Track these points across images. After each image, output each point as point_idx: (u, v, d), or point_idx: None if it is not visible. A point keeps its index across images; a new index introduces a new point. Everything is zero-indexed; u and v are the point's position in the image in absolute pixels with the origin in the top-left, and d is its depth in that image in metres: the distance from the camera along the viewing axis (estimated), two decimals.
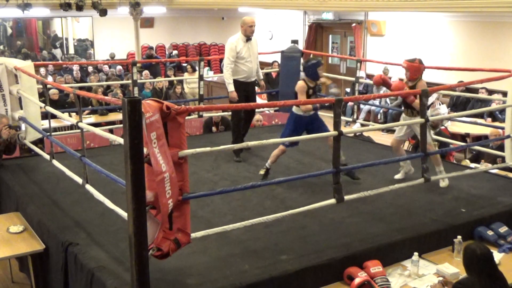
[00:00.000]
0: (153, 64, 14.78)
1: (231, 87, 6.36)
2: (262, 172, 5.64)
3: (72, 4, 12.46)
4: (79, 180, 4.75)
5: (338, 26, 14.45)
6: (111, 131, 7.01)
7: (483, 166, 6.63)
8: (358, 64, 8.04)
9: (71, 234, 4.34)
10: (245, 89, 6.49)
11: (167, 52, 17.29)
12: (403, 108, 5.53)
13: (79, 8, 12.42)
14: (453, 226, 4.62)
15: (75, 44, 17.51)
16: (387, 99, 12.03)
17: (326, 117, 9.15)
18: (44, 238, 4.58)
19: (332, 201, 4.19)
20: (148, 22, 17.05)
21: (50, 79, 13.15)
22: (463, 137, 9.32)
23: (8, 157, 6.30)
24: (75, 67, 14.40)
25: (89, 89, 11.26)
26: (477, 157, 7.47)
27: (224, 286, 3.59)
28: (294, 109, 5.70)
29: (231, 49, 6.33)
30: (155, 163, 3.24)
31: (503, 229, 4.68)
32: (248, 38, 6.37)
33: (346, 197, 4.25)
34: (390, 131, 11.40)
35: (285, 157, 6.49)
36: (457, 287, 3.47)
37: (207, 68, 16.08)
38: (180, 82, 12.33)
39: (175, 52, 17.16)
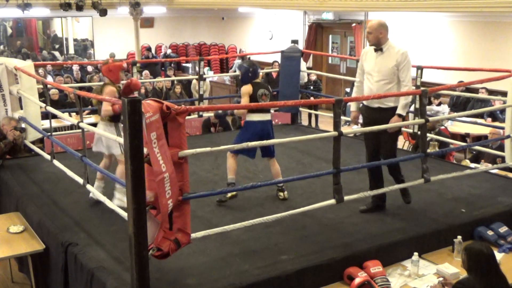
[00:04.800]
0: (151, 64, 14.77)
1: (351, 106, 5.34)
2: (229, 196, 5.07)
3: (72, 4, 12.45)
4: (80, 180, 4.76)
5: (338, 26, 14.45)
6: None
7: (483, 166, 6.62)
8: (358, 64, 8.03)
9: (71, 234, 4.34)
10: (370, 116, 4.88)
11: (163, 52, 17.27)
12: None
13: (79, 8, 12.41)
14: (453, 226, 4.62)
15: (75, 44, 17.51)
16: None
17: (326, 117, 9.18)
18: (44, 238, 4.58)
19: (332, 201, 4.19)
20: (148, 22, 17.04)
21: (49, 79, 13.15)
22: (463, 137, 9.32)
23: (10, 157, 6.32)
24: (75, 67, 14.40)
25: (89, 89, 11.26)
26: (477, 157, 7.47)
27: (224, 286, 3.59)
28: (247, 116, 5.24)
29: (360, 58, 5.04)
30: (155, 163, 3.24)
31: (503, 229, 4.69)
32: (378, 48, 4.76)
33: (346, 198, 4.24)
34: None
35: (285, 158, 6.49)
36: (457, 287, 3.47)
37: (207, 68, 16.08)
38: (180, 82, 12.32)
39: (169, 51, 17.13)
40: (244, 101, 5.12)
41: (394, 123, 4.64)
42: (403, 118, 4.70)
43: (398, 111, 4.66)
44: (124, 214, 3.58)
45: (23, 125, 6.28)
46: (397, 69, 4.67)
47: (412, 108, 8.98)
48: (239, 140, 5.06)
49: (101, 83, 5.05)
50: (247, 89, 5.12)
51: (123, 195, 4.59)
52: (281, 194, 5.16)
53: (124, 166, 4.85)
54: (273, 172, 5.29)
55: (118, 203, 4.59)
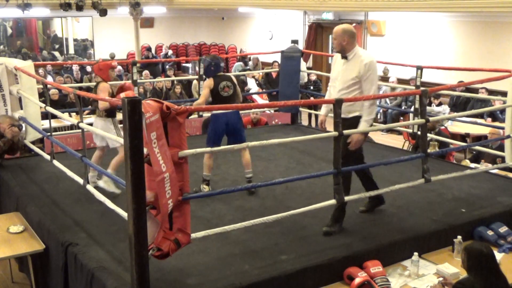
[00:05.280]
0: (151, 64, 14.77)
1: (321, 110, 4.95)
2: (206, 188, 5.31)
3: (72, 4, 12.47)
4: (80, 180, 4.76)
5: None
6: None
7: (483, 166, 6.63)
8: None
9: (71, 234, 4.34)
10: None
11: (163, 52, 17.28)
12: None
13: (79, 8, 12.42)
14: (453, 226, 4.62)
15: (75, 44, 17.51)
16: (387, 99, 12.04)
17: (327, 117, 9.13)
18: (44, 238, 4.58)
19: (333, 201, 4.18)
20: (148, 22, 17.05)
21: (49, 79, 13.15)
22: (463, 137, 9.33)
23: (9, 157, 6.31)
24: (75, 67, 14.41)
25: (88, 89, 11.26)
26: (477, 157, 7.47)
27: (224, 286, 3.59)
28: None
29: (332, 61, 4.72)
30: (155, 163, 3.24)
31: (503, 229, 4.69)
32: (343, 56, 4.50)
33: (346, 198, 4.24)
34: (390, 131, 11.41)
35: (285, 158, 6.50)
36: (457, 287, 3.47)
37: None
38: (180, 82, 12.32)
39: (170, 52, 17.15)
40: (204, 93, 5.33)
41: (354, 138, 4.35)
42: (366, 134, 4.39)
43: (361, 127, 4.38)
44: (124, 214, 3.58)
45: (22, 125, 6.28)
46: (359, 80, 4.38)
47: (412, 109, 8.98)
48: (208, 134, 5.39)
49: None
50: (207, 82, 5.32)
51: (110, 182, 4.98)
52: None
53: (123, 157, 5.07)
54: (243, 162, 5.43)
55: (103, 185, 5.04)
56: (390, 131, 11.41)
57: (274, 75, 11.67)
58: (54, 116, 6.27)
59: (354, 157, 4.48)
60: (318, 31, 14.87)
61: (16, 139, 6.07)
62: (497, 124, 8.73)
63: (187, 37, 18.09)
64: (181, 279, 3.68)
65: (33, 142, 6.36)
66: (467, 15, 11.11)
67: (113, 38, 16.48)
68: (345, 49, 4.44)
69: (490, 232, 4.64)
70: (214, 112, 5.34)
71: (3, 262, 5.32)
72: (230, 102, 5.31)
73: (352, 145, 4.38)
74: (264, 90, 12.26)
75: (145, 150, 3.23)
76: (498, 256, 4.31)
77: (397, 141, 10.29)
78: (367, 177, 4.72)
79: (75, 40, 17.62)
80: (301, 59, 8.36)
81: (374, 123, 10.55)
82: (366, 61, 4.36)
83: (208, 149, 4.27)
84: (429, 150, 4.95)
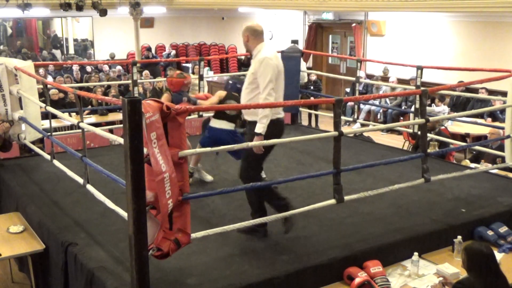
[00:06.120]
0: (151, 64, 14.77)
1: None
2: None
3: (72, 4, 12.46)
4: (80, 180, 4.75)
5: (338, 26, 14.45)
6: (111, 131, 7.01)
7: (483, 166, 6.62)
8: (358, 64, 8.04)
9: (71, 234, 4.34)
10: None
11: (165, 52, 17.26)
12: None
13: (79, 8, 12.42)
14: (453, 226, 4.62)
15: (75, 44, 17.51)
16: (387, 99, 12.05)
17: (326, 117, 9.19)
18: (44, 238, 4.58)
19: (332, 201, 4.18)
20: (148, 22, 17.04)
21: (50, 79, 13.15)
22: (463, 137, 9.33)
23: (7, 156, 6.30)
24: (75, 67, 14.41)
25: (89, 89, 11.26)
26: (477, 157, 7.47)
27: (224, 286, 3.59)
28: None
29: None
30: (155, 163, 3.24)
31: (503, 229, 4.69)
32: (251, 54, 4.42)
33: (346, 198, 4.24)
34: (390, 131, 11.41)
35: (285, 158, 6.50)
36: (457, 287, 3.47)
37: (207, 68, 16.08)
38: None
39: (173, 52, 17.13)
40: (212, 100, 5.69)
41: (256, 143, 4.09)
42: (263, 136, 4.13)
43: (256, 129, 4.14)
44: (124, 214, 3.58)
45: (22, 125, 6.28)
46: (255, 77, 4.19)
47: (412, 109, 8.98)
48: (201, 139, 5.45)
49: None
50: (220, 92, 5.70)
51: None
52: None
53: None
54: None
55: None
56: (390, 131, 11.42)
57: None
58: (54, 116, 6.27)
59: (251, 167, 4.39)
60: (318, 31, 14.87)
61: (7, 135, 6.06)
62: (497, 124, 8.73)
63: (187, 37, 18.08)
64: (181, 279, 3.68)
65: (33, 142, 6.35)
66: (467, 15, 11.11)
67: (113, 38, 16.46)
68: (248, 47, 4.33)
69: (490, 232, 4.64)
70: (212, 125, 5.43)
71: (3, 262, 5.32)
72: (229, 120, 5.44)
73: (257, 149, 4.19)
74: None
75: (145, 150, 3.23)
76: (498, 256, 4.31)
77: (397, 141, 10.29)
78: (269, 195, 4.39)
79: (75, 40, 17.61)
80: (301, 59, 8.36)
81: (374, 123, 10.57)
82: (262, 57, 4.18)
83: (208, 148, 4.26)
84: (429, 150, 4.95)
